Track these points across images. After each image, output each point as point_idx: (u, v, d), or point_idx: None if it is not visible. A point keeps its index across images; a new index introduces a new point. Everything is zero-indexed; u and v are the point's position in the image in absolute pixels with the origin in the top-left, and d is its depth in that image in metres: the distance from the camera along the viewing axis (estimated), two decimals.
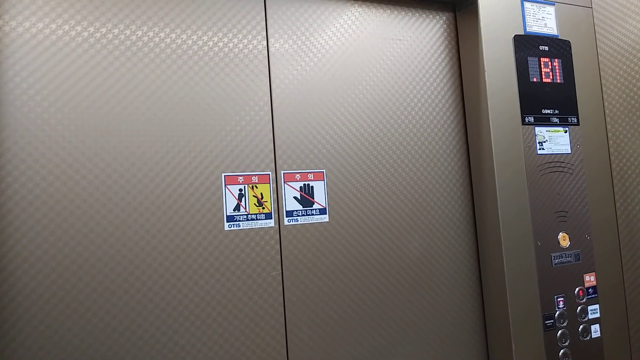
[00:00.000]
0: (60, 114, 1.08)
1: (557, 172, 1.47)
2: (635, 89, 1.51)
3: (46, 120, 1.07)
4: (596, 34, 1.61)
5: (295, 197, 1.28)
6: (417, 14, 1.50)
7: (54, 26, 1.09)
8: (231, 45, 1.26)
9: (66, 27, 1.10)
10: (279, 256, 1.25)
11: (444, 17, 1.55)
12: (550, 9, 1.54)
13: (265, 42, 1.30)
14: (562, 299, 1.42)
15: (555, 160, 1.47)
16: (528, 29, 1.49)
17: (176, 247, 1.15)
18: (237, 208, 1.21)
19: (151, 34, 1.18)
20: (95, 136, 1.11)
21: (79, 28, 1.12)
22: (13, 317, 1.01)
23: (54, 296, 1.04)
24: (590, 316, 1.46)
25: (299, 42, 1.34)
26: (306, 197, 1.29)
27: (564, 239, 1.45)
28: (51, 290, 1.04)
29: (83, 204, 1.08)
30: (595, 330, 1.46)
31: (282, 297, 1.24)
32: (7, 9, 1.06)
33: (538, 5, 1.52)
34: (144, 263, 1.12)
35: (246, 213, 1.22)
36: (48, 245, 1.04)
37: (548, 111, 1.48)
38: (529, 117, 1.45)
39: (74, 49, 1.11)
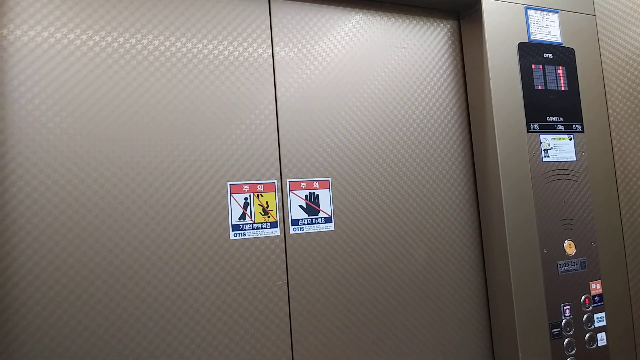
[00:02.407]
0: (65, 123, 1.07)
1: (562, 180, 1.46)
2: (639, 95, 1.51)
3: (51, 129, 1.06)
4: (599, 41, 1.61)
5: (300, 206, 1.27)
6: (421, 22, 1.50)
7: (59, 35, 1.09)
8: (237, 53, 1.25)
9: (71, 35, 1.10)
10: (284, 265, 1.24)
11: (448, 25, 1.55)
12: (554, 17, 1.55)
13: (270, 50, 1.29)
14: (568, 307, 1.41)
15: (561, 167, 1.47)
16: (532, 37, 1.49)
17: (181, 257, 1.14)
18: (242, 217, 1.20)
19: (157, 42, 1.17)
20: (100, 145, 1.10)
21: (84, 37, 1.11)
22: (16, 330, 1.00)
23: (59, 307, 1.03)
24: (597, 324, 1.45)
25: (304, 50, 1.33)
26: (312, 206, 1.28)
27: (569, 247, 1.44)
28: (56, 301, 1.03)
29: (88, 213, 1.07)
30: (602, 339, 1.45)
31: (287, 307, 1.23)
32: (12, 18, 1.06)
33: (542, 13, 1.53)
34: (149, 273, 1.11)
35: (252, 222, 1.21)
36: (53, 256, 1.03)
37: (553, 119, 1.48)
38: (534, 125, 1.44)
39: (79, 58, 1.10)
